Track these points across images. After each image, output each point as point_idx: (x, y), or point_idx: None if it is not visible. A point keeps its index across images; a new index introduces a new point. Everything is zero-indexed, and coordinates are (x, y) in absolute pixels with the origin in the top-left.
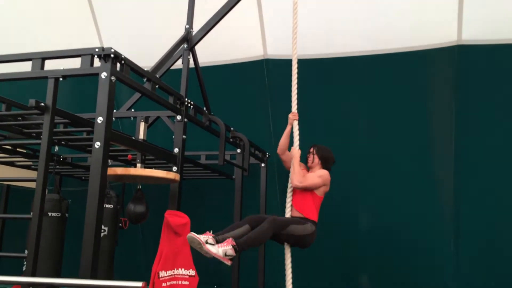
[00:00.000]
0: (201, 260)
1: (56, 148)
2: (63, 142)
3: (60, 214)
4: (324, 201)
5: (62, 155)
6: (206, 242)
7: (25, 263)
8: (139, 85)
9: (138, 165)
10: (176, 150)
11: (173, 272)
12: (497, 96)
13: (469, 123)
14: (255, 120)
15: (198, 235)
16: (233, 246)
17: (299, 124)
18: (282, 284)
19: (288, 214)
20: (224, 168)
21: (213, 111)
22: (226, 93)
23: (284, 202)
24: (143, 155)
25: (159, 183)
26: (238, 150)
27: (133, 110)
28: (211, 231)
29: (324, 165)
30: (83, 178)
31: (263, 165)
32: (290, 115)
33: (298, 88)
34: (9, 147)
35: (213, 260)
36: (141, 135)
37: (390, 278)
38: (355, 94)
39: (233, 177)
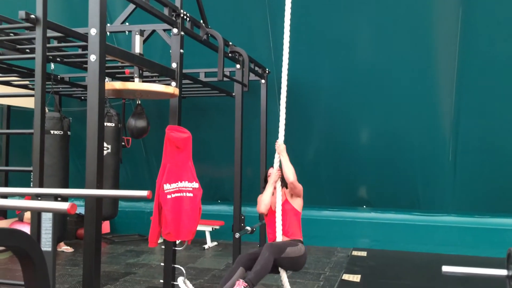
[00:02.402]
0: (205, 177)
1: (52, 66)
2: (58, 59)
3: (62, 132)
4: (325, 117)
5: (60, 75)
6: None
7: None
8: None
9: (136, 79)
10: (174, 65)
11: (177, 185)
12: (503, 9)
13: (473, 36)
14: (254, 35)
15: None
16: (245, 287)
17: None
18: None
19: (279, 236)
20: (224, 85)
21: (211, 25)
22: (223, 7)
23: (285, 119)
24: (140, 70)
25: (158, 98)
26: (238, 66)
27: (127, 24)
28: None
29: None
30: (82, 98)
31: (263, 81)
32: (272, 176)
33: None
34: (4, 66)
35: (216, 177)
36: (137, 49)
37: (389, 191)
38: (357, 6)
39: (233, 94)
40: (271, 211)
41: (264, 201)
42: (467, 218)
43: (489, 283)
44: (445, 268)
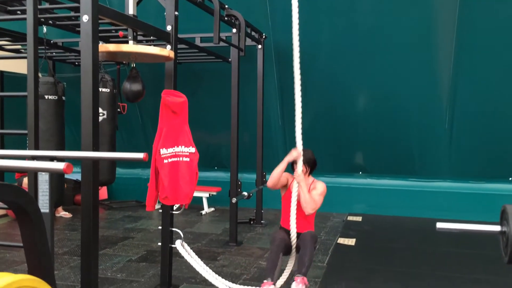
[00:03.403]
0: (202, 144)
1: (45, 29)
2: (50, 22)
3: (56, 97)
4: (322, 82)
5: (52, 40)
6: None
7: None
8: None
9: (130, 42)
10: (169, 27)
11: (173, 149)
12: None
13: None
14: None
15: None
16: (307, 286)
17: None
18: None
19: (294, 232)
20: (220, 51)
21: None
22: None
23: (282, 85)
24: (134, 32)
25: (153, 61)
26: (234, 30)
27: None
28: (269, 279)
29: (312, 171)
30: (76, 63)
31: (259, 46)
32: (293, 152)
33: None
34: None
35: (213, 143)
36: (131, 10)
37: (386, 157)
38: None
39: (229, 59)
40: (288, 202)
41: (272, 175)
42: (462, 183)
43: (481, 245)
44: (439, 225)
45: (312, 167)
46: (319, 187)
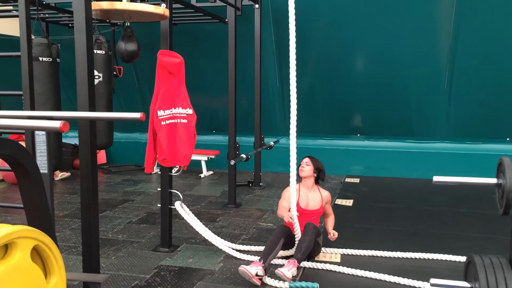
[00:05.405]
0: (199, 107)
1: None
2: None
3: (51, 59)
4: (320, 44)
5: (45, 1)
6: (256, 275)
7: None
8: None
9: (124, 0)
10: None
11: (171, 111)
12: None
13: None
14: None
15: (248, 268)
16: (298, 268)
17: None
18: (276, 130)
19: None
20: (216, 11)
21: None
22: None
23: (280, 46)
24: None
25: (148, 20)
26: None
27: None
28: (261, 260)
29: (318, 177)
30: (70, 25)
31: (257, 6)
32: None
33: None
34: None
35: (210, 107)
36: None
37: (384, 119)
38: None
39: (226, 20)
40: (300, 210)
41: (280, 215)
42: (460, 144)
43: (477, 204)
44: (436, 178)
45: (318, 173)
46: (328, 198)
